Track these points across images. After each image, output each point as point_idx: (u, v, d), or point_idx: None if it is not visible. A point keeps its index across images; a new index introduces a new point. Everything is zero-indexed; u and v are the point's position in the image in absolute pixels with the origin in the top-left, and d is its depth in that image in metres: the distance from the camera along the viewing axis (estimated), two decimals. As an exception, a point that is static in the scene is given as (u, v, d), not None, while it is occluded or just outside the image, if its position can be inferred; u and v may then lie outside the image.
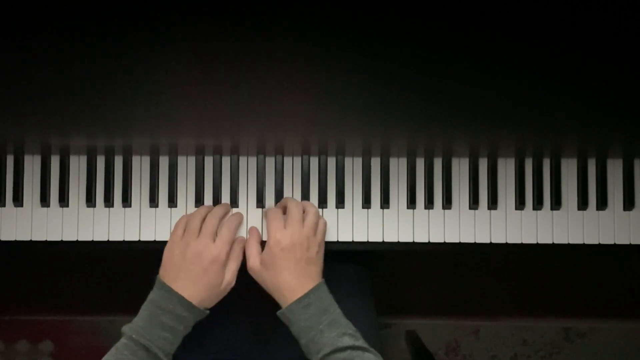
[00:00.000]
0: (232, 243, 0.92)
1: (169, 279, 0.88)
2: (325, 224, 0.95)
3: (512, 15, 0.66)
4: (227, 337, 1.02)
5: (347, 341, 0.84)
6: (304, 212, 0.93)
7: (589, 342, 1.58)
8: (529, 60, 0.73)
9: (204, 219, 0.92)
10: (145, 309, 0.87)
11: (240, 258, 0.92)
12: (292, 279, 0.87)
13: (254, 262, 0.90)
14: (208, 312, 0.90)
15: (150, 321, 0.85)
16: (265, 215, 0.96)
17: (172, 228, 0.97)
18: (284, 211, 0.95)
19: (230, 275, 0.90)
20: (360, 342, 0.85)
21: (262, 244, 0.93)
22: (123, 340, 0.85)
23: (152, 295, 0.88)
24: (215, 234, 0.91)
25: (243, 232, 0.97)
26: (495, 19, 0.67)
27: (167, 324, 0.85)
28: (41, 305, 1.56)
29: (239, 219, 0.95)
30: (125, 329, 0.86)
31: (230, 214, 0.97)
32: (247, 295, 0.95)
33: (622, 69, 0.74)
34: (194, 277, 0.87)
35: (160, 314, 0.86)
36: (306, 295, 0.87)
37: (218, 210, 0.93)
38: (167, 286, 0.87)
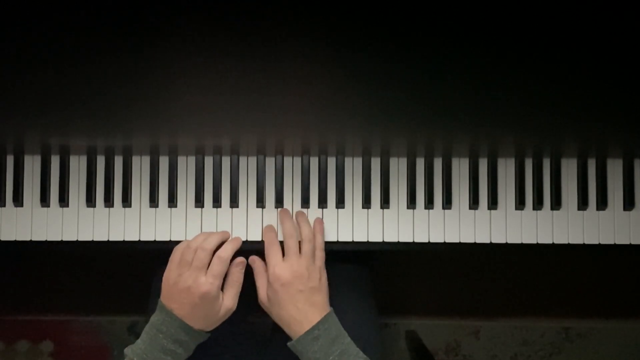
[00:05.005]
0: (229, 269, 0.90)
1: (169, 304, 0.87)
2: (322, 250, 0.92)
3: (512, 14, 0.66)
4: (227, 341, 1.02)
5: None
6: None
7: (589, 342, 1.58)
8: (529, 60, 0.73)
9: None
10: (146, 332, 0.88)
11: (240, 281, 0.91)
12: (297, 313, 0.87)
13: (262, 296, 0.90)
14: (209, 334, 0.90)
15: (151, 344, 0.86)
16: (264, 243, 0.93)
17: (172, 227, 0.97)
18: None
19: (230, 302, 0.89)
20: None
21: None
22: None
23: (154, 319, 0.88)
24: (208, 265, 0.88)
25: (243, 234, 0.97)
26: (496, 19, 0.67)
27: (168, 347, 0.86)
28: (41, 305, 1.56)
29: (235, 246, 0.92)
30: (128, 351, 0.87)
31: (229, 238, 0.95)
32: (247, 300, 0.95)
33: (623, 69, 0.74)
34: (188, 308, 0.86)
35: (161, 337, 0.86)
36: (314, 327, 0.86)
37: (212, 241, 0.90)
38: (167, 310, 0.87)
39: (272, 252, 0.91)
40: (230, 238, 0.95)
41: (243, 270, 0.91)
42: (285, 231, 0.92)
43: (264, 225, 0.97)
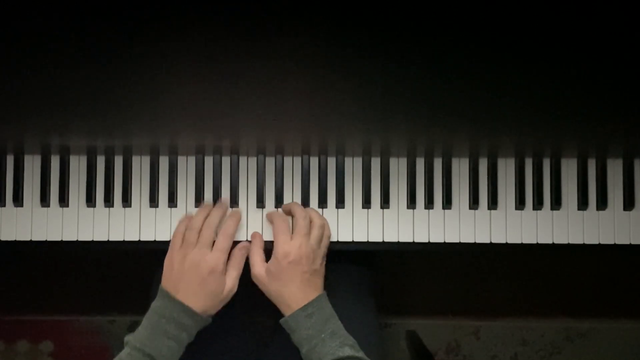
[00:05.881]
0: (232, 249, 0.91)
1: (171, 289, 0.88)
2: (329, 237, 0.95)
3: (512, 15, 0.66)
4: (227, 341, 1.02)
5: (347, 351, 0.85)
6: (310, 221, 0.93)
7: (589, 342, 1.58)
8: (529, 60, 0.73)
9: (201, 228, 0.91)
10: (148, 319, 0.87)
11: (241, 264, 0.92)
12: (298, 291, 0.88)
13: (259, 271, 0.90)
14: (211, 319, 0.90)
15: (154, 330, 0.86)
16: (271, 222, 0.95)
17: (172, 227, 0.97)
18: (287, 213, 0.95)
19: (231, 283, 0.90)
20: (361, 354, 0.86)
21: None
22: (127, 350, 0.85)
23: (155, 305, 0.88)
24: (213, 241, 0.90)
25: (243, 234, 0.97)
26: (496, 19, 0.67)
27: (171, 332, 0.85)
28: (41, 305, 1.56)
29: (236, 220, 0.94)
30: (129, 338, 0.86)
31: (228, 212, 0.96)
32: (247, 300, 0.95)
33: (623, 68, 0.74)
34: (194, 287, 0.87)
35: (164, 322, 0.86)
36: (309, 304, 0.88)
37: (214, 218, 0.92)
38: (169, 295, 0.87)
39: (283, 227, 0.92)
40: (230, 213, 0.96)
41: (245, 255, 0.93)
42: (297, 212, 0.93)
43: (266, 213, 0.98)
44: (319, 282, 0.91)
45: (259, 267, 0.91)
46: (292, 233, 0.91)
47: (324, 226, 0.94)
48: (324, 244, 0.93)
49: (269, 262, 0.91)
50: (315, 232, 0.92)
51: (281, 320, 0.89)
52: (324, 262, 0.93)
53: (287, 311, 0.89)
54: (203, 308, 0.88)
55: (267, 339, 1.06)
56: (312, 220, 0.93)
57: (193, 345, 0.90)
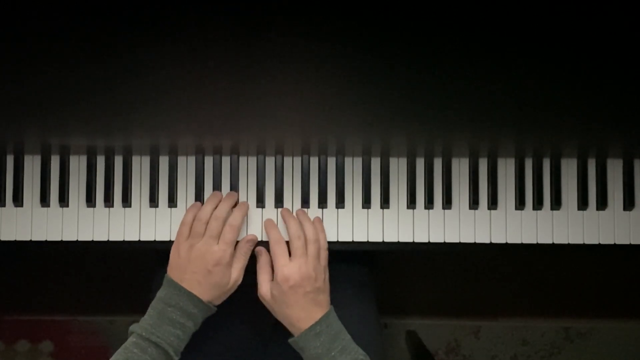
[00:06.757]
0: (239, 241, 0.92)
1: (177, 278, 0.88)
2: (326, 248, 0.94)
3: (512, 14, 0.66)
4: (228, 340, 1.02)
5: None
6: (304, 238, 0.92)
7: (589, 342, 1.58)
8: (529, 60, 0.73)
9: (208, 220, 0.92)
10: (153, 307, 0.88)
11: (247, 256, 0.93)
12: (302, 312, 0.88)
13: (265, 292, 0.91)
14: (216, 308, 0.90)
15: (160, 318, 0.86)
16: (269, 239, 0.94)
17: (172, 227, 0.97)
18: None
19: (237, 274, 0.91)
20: None
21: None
22: (132, 339, 0.85)
23: (161, 294, 0.88)
24: (220, 233, 0.91)
25: (243, 235, 0.97)
26: (496, 18, 0.67)
27: (177, 320, 0.86)
28: (41, 305, 1.56)
29: (243, 212, 0.94)
30: (134, 327, 0.87)
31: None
32: (249, 298, 0.95)
33: (623, 68, 0.74)
34: (200, 277, 0.88)
35: (170, 311, 0.86)
36: (317, 323, 0.87)
37: (223, 209, 0.92)
38: (175, 284, 0.88)
39: (280, 251, 0.91)
40: (239, 203, 0.96)
41: (252, 247, 0.93)
42: (291, 232, 0.93)
43: (264, 219, 0.97)
44: (324, 298, 0.90)
45: (265, 288, 0.91)
46: (290, 254, 0.91)
47: (319, 239, 0.93)
48: (323, 256, 0.93)
49: (271, 285, 0.91)
50: (311, 249, 0.91)
51: (290, 340, 0.89)
52: (327, 276, 0.92)
53: (293, 331, 0.89)
54: (208, 298, 0.88)
55: (268, 338, 1.06)
56: (306, 237, 0.92)
57: (195, 343, 0.90)
